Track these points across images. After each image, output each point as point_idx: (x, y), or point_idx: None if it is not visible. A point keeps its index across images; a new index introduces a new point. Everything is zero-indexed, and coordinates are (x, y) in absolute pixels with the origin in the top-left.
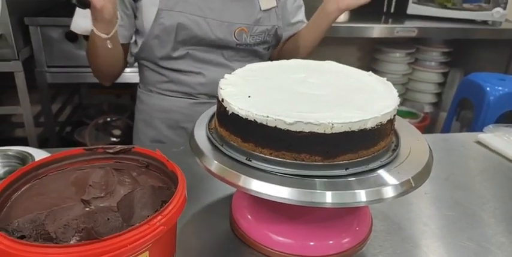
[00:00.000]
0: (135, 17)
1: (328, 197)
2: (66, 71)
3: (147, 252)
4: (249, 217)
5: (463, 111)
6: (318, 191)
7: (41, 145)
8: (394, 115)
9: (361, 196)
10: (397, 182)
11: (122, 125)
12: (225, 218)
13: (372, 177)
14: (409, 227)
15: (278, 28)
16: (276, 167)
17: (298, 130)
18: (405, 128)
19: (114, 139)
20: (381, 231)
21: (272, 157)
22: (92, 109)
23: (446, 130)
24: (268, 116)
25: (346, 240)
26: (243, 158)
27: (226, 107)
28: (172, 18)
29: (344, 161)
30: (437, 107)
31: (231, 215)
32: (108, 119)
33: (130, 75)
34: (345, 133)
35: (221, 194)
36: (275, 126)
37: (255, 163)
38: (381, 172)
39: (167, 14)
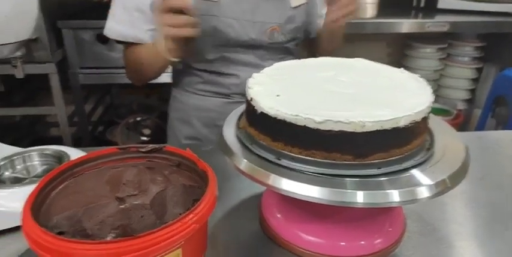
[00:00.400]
0: None
1: (360, 197)
2: (98, 72)
3: (180, 249)
4: (278, 215)
5: (498, 108)
6: (349, 190)
7: (75, 144)
8: (429, 113)
9: (394, 196)
10: (432, 182)
11: (152, 125)
12: (255, 217)
13: (405, 177)
14: (444, 228)
15: (308, 24)
16: (305, 166)
17: (327, 129)
18: (439, 126)
19: (144, 138)
20: (414, 232)
21: (302, 156)
22: (123, 109)
23: (480, 127)
24: (297, 115)
25: (378, 241)
26: (272, 157)
27: (254, 106)
28: (207, 22)
29: (376, 160)
30: (471, 104)
31: (261, 214)
32: (138, 119)
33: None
34: (377, 131)
35: (251, 193)
36: (304, 126)
37: (284, 162)
38: (415, 171)
39: (202, 19)
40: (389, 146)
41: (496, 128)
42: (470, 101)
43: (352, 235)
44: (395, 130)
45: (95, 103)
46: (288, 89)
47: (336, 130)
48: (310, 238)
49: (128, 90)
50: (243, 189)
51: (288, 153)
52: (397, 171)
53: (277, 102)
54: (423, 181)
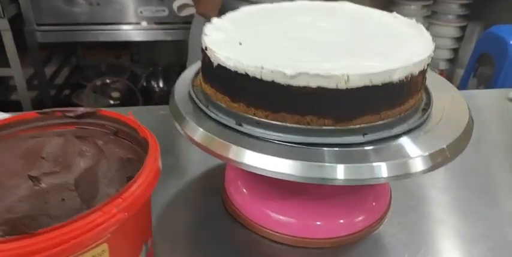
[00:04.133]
0: None
1: (340, 172)
2: (58, 30)
3: (106, 244)
4: (244, 191)
5: (480, 68)
6: (327, 164)
7: (36, 109)
8: (428, 64)
9: (382, 170)
10: (428, 152)
11: (122, 87)
12: (217, 192)
13: (396, 145)
14: (435, 200)
15: None
16: (273, 134)
17: (301, 85)
18: (436, 82)
19: (113, 102)
20: (400, 206)
21: (269, 121)
22: (91, 71)
23: (462, 87)
24: (263, 68)
25: (360, 218)
26: (232, 123)
27: (210, 58)
28: None
29: (362, 125)
30: (453, 64)
31: (224, 189)
32: (108, 81)
33: (129, 33)
34: (364, 88)
35: (213, 164)
36: (272, 81)
37: (247, 128)
38: (408, 138)
39: None
40: (379, 107)
41: (477, 88)
42: (452, 61)
43: (329, 212)
44: (388, 86)
45: (59, 64)
46: (254, 37)
47: (313, 86)
48: (280, 217)
49: (95, 51)
50: (206, 159)
51: (252, 117)
52: (385, 138)
53: (238, 51)
54: (418, 150)
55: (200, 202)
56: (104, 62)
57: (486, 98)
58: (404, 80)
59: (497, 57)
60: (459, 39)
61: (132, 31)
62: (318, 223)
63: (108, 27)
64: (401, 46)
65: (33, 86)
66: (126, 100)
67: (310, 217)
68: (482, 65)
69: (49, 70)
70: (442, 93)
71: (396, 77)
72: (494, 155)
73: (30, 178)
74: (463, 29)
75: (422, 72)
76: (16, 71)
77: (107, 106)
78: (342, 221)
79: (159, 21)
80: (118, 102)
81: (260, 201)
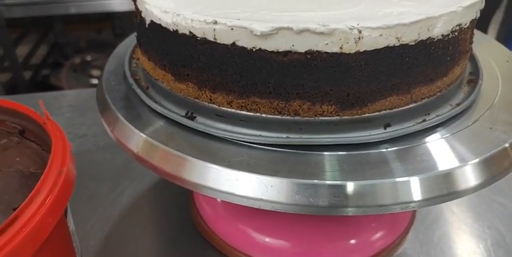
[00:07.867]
0: None
1: (351, 196)
2: (25, 3)
3: None
4: (218, 201)
5: None
6: (328, 182)
7: (9, 93)
8: (481, 11)
9: (413, 189)
10: (483, 156)
11: (104, 65)
12: (183, 205)
13: (432, 146)
14: (476, 203)
15: None
16: (242, 131)
17: (282, 50)
18: (477, 40)
19: (95, 81)
20: (428, 213)
21: (233, 110)
22: (70, 48)
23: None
24: (216, 23)
25: (378, 235)
26: (180, 114)
27: (141, 12)
28: None
29: (383, 112)
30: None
31: (192, 198)
32: (89, 59)
33: (110, 3)
34: (387, 50)
35: None
36: (233, 44)
37: (202, 123)
38: (449, 131)
39: None
40: (411, 81)
41: None
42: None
43: (334, 231)
44: (425, 46)
45: (35, 42)
46: None
47: (302, 50)
48: (265, 239)
49: (75, 25)
50: None
51: (208, 104)
52: (416, 133)
53: (182, 1)
54: (467, 152)
55: (162, 217)
56: (84, 38)
57: None
58: (450, 36)
59: None
60: None
61: (113, 1)
62: (319, 246)
63: None
64: None
65: (4, 68)
66: None
67: (307, 239)
68: None
69: (24, 50)
70: (490, 56)
71: (438, 31)
72: None
73: None
74: None
75: (473, 24)
76: None
77: (88, 86)
78: (352, 242)
79: None
80: None
81: (239, 216)
